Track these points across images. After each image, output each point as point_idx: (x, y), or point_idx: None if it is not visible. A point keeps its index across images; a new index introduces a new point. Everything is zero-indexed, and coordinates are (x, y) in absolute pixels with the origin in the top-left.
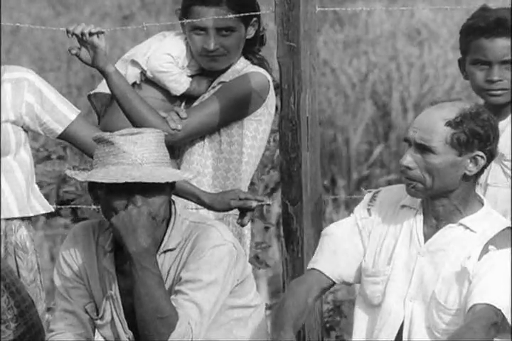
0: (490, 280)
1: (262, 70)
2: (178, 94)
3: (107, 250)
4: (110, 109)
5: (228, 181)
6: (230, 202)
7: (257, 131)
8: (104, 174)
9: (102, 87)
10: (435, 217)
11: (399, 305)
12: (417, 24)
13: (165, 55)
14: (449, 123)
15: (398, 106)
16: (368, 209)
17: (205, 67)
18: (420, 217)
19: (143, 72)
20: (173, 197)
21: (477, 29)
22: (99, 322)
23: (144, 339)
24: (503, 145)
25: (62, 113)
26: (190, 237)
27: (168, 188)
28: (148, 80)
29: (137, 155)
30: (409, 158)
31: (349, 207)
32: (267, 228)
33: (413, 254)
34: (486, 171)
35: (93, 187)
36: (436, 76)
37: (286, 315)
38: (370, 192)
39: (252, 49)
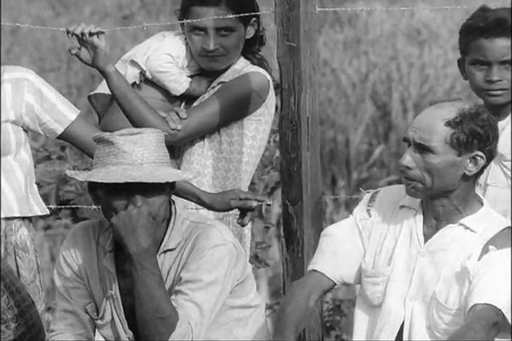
0: (490, 280)
1: (261, 70)
2: (178, 94)
3: (107, 250)
4: (110, 109)
5: (228, 181)
6: (230, 202)
7: (257, 131)
8: (104, 174)
9: (102, 88)
10: (435, 217)
11: (399, 305)
12: (417, 24)
13: (164, 55)
14: (448, 123)
15: (398, 106)
16: (368, 210)
17: (205, 67)
18: (420, 217)
19: (142, 73)
20: (174, 197)
21: (476, 29)
22: (99, 322)
23: (144, 339)
24: (502, 145)
25: (62, 113)
26: (191, 237)
27: (168, 188)
28: (147, 80)
29: (137, 155)
30: (408, 158)
31: (349, 207)
32: (267, 228)
33: (413, 254)
34: (485, 171)
35: (93, 187)
36: (437, 76)
37: (288, 321)
38: (368, 192)
39: (251, 49)
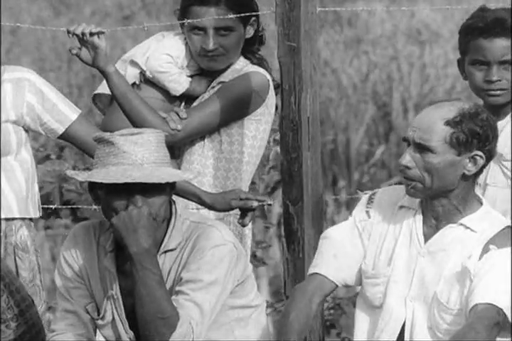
0: (491, 279)
1: (261, 70)
2: (178, 94)
3: (108, 250)
4: (110, 109)
5: (229, 181)
6: (231, 202)
7: (257, 131)
8: (105, 174)
9: (102, 88)
10: (435, 217)
11: (400, 305)
12: (418, 24)
13: (164, 55)
14: (448, 123)
15: (399, 107)
16: (367, 211)
17: (205, 67)
18: (419, 218)
19: (142, 73)
20: (174, 197)
21: (476, 29)
22: (100, 322)
23: (144, 339)
24: (501, 145)
25: (63, 113)
26: (191, 237)
27: (169, 188)
28: (147, 80)
29: (137, 155)
30: (408, 158)
31: (350, 207)
32: (267, 227)
33: (413, 255)
34: (485, 171)
35: (93, 187)
36: (437, 76)
37: (291, 329)
38: (366, 193)
39: (251, 48)
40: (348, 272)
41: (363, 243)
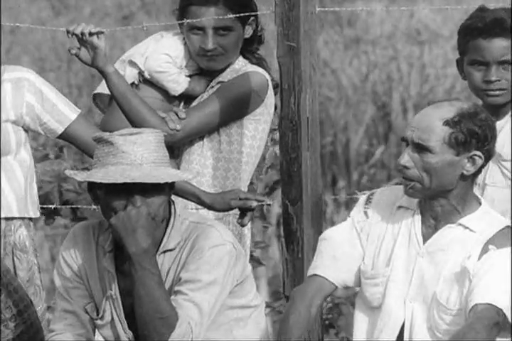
0: (491, 279)
1: (260, 70)
2: (177, 94)
3: (107, 250)
4: (109, 109)
5: (228, 181)
6: (231, 202)
7: (256, 131)
8: (104, 174)
9: (101, 88)
10: (433, 218)
11: (399, 306)
12: (417, 24)
13: (163, 55)
14: (447, 123)
15: (398, 107)
16: (365, 212)
17: (203, 67)
18: (418, 218)
19: (141, 73)
20: (173, 197)
21: (475, 29)
22: (99, 322)
23: (143, 339)
24: (500, 145)
25: (62, 113)
26: (190, 237)
27: (168, 188)
28: (146, 81)
29: (136, 155)
30: (406, 158)
31: (349, 207)
32: (265, 227)
33: (412, 255)
34: (484, 171)
35: (92, 187)
36: (437, 76)
37: (291, 333)
38: (364, 194)
39: (250, 48)
40: (347, 273)
41: (361, 243)
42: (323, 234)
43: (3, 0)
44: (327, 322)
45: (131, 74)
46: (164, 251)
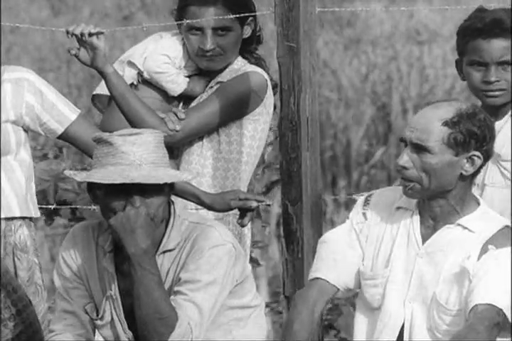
0: (490, 279)
1: (259, 69)
2: (176, 95)
3: (107, 250)
4: (108, 110)
5: (228, 181)
6: (230, 202)
7: (255, 131)
8: (103, 174)
9: (101, 88)
10: (432, 218)
11: (399, 307)
12: (417, 24)
13: (162, 55)
14: (446, 123)
15: (398, 107)
16: (364, 214)
17: (202, 67)
18: (417, 218)
19: (140, 73)
20: (173, 198)
21: (474, 30)
22: (98, 322)
23: (143, 339)
24: (500, 145)
25: (62, 113)
26: (190, 238)
27: (167, 189)
28: (145, 81)
29: (136, 155)
30: (405, 158)
31: (349, 207)
32: (263, 227)
33: (411, 256)
34: (483, 171)
35: (92, 187)
36: (437, 76)
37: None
38: (362, 195)
39: (249, 48)
40: (348, 275)
41: (360, 245)
42: (322, 237)
43: (3, 0)
44: (327, 322)
45: (130, 75)
46: (164, 252)
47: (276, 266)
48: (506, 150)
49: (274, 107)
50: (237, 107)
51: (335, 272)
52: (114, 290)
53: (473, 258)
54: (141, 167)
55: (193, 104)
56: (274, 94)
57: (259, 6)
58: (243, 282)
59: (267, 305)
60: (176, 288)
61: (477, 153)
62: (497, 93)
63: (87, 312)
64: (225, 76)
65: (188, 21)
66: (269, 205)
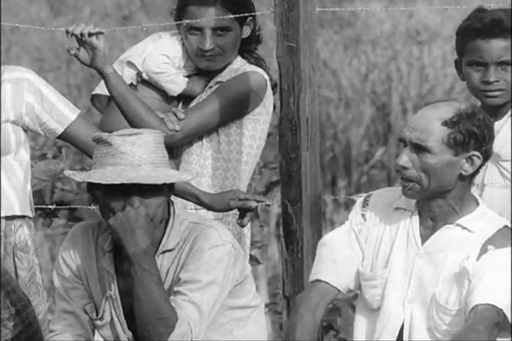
0: (490, 279)
1: (259, 69)
2: (175, 95)
3: (106, 250)
4: (108, 110)
5: (227, 181)
6: (230, 202)
7: (255, 131)
8: (102, 175)
9: (100, 89)
10: (431, 218)
11: (398, 307)
12: (417, 24)
13: (161, 55)
14: (445, 123)
15: (398, 107)
16: (363, 215)
17: (202, 67)
18: (416, 219)
19: (139, 74)
20: (173, 198)
21: (473, 30)
22: (98, 322)
23: (143, 339)
24: (499, 145)
25: (62, 113)
26: (189, 238)
27: (167, 189)
28: (144, 81)
29: (135, 156)
30: (405, 158)
31: (349, 207)
32: (261, 226)
33: (411, 256)
34: (482, 171)
35: (91, 187)
36: (436, 76)
37: None
38: (361, 196)
39: (248, 48)
40: (349, 277)
41: (360, 245)
42: (322, 239)
43: (3, 0)
44: (326, 323)
45: (129, 75)
46: (163, 252)
47: (275, 266)
48: (506, 150)
49: (274, 107)
50: (236, 107)
51: (335, 274)
52: (114, 291)
53: (472, 258)
54: (140, 167)
55: (192, 104)
56: (274, 94)
57: (258, 5)
58: (243, 282)
59: (266, 306)
60: (175, 288)
61: (476, 153)
62: (496, 93)
63: (86, 313)
64: (224, 76)
65: (187, 21)
66: (268, 205)
